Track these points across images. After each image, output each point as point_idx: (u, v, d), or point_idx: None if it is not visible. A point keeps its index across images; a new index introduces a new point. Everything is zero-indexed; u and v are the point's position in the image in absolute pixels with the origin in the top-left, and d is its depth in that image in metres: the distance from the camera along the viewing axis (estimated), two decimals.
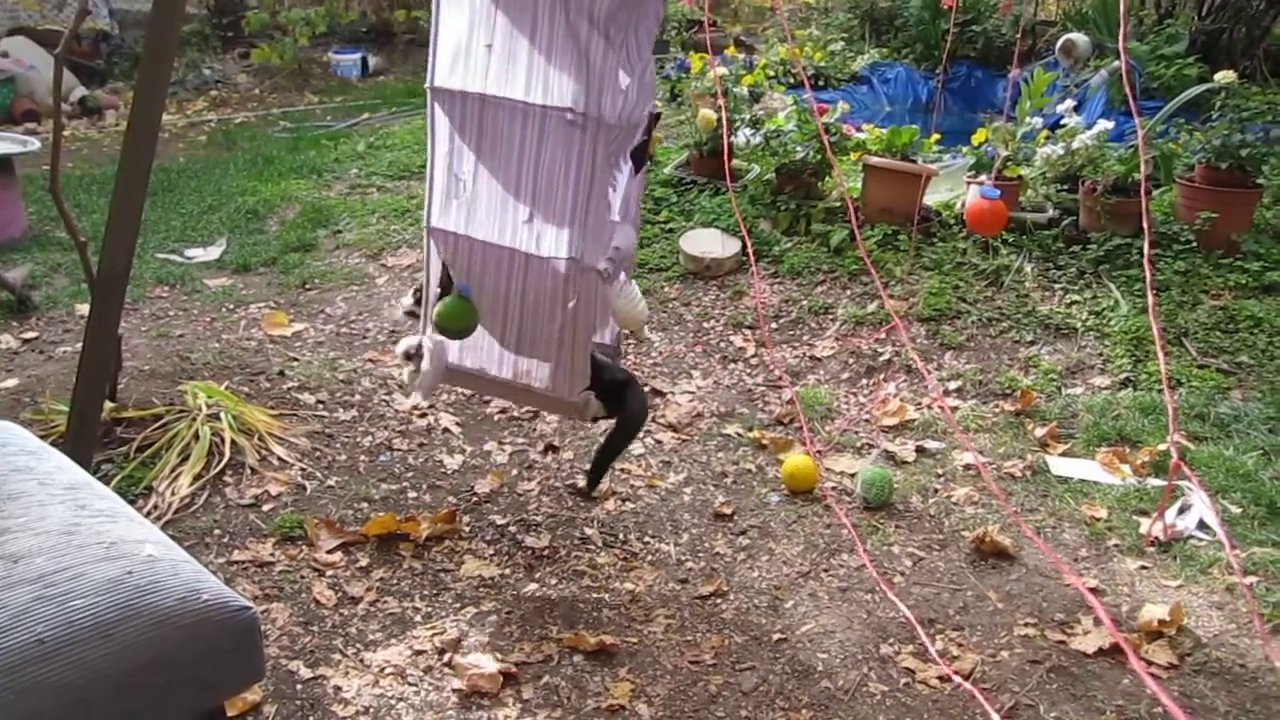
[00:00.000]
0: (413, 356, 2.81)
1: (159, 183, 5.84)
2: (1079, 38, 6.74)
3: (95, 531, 1.73)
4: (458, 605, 2.66)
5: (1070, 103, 5.09)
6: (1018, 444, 3.44)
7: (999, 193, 3.61)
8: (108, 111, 7.98)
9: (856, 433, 3.56)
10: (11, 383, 3.64)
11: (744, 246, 4.58)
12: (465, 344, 2.81)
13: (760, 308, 4.28)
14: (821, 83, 7.38)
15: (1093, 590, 2.72)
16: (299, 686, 2.37)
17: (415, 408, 3.62)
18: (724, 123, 4.90)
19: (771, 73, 6.86)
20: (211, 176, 6.21)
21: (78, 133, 7.50)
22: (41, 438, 2.18)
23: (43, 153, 5.32)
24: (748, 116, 5.21)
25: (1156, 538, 2.93)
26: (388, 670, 2.42)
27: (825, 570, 2.84)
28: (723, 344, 4.13)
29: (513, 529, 3.00)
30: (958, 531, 3.01)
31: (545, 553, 2.89)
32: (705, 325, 4.26)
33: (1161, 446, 3.30)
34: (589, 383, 2.72)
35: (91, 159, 6.72)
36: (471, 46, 2.47)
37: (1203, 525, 2.98)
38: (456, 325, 2.67)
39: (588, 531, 2.99)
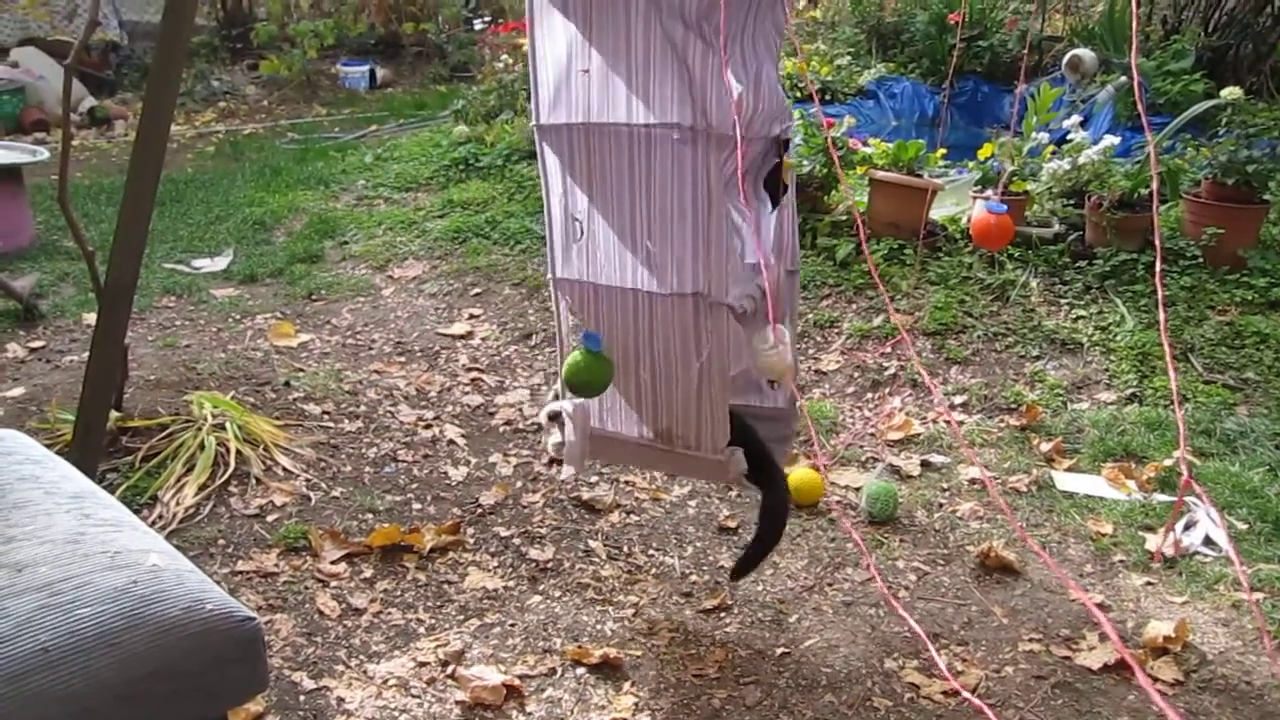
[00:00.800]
0: (555, 420, 2.55)
1: (167, 193, 5.87)
2: (1085, 53, 6.74)
3: (100, 541, 1.73)
4: (461, 617, 2.66)
5: (1076, 118, 5.09)
6: (1023, 459, 3.44)
7: (1005, 207, 3.60)
8: (117, 122, 8.02)
9: (861, 447, 3.55)
10: (18, 391, 3.65)
11: None
12: (603, 406, 2.50)
13: None
14: (828, 97, 7.39)
15: (1098, 606, 2.71)
16: (302, 697, 2.36)
17: (420, 419, 3.62)
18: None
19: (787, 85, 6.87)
20: (219, 187, 6.23)
21: (86, 143, 7.53)
22: (47, 446, 2.18)
23: (51, 162, 5.35)
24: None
25: (1164, 554, 2.92)
26: (391, 682, 2.42)
27: (830, 584, 2.84)
28: None
29: (517, 541, 3.00)
30: (963, 546, 3.00)
31: (549, 565, 2.89)
32: None
33: (1168, 462, 3.29)
34: (730, 438, 2.38)
35: (100, 169, 6.75)
36: (571, 75, 2.23)
37: (1208, 541, 2.97)
38: (586, 380, 2.35)
39: (592, 544, 2.99)
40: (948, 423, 3.62)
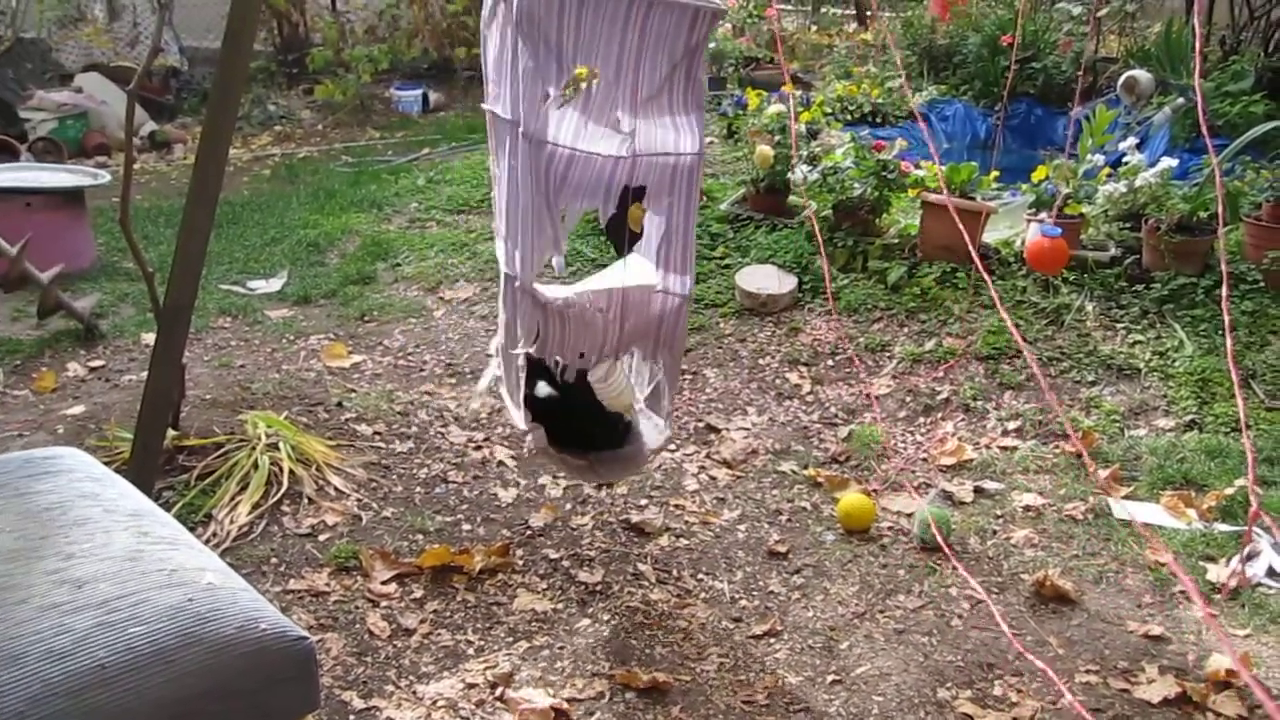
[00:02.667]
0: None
1: (224, 215, 5.95)
2: (1141, 75, 6.66)
3: (157, 558, 1.75)
4: (510, 639, 2.66)
5: (1133, 140, 5.03)
6: (1079, 486, 3.38)
7: (1060, 231, 3.57)
8: (176, 146, 8.16)
9: (913, 472, 3.51)
10: (78, 409, 3.71)
11: (798, 284, 4.57)
12: None
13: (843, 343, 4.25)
14: (879, 119, 7.36)
15: (1157, 638, 2.65)
16: (352, 717, 2.38)
17: (470, 440, 3.63)
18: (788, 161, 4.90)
19: (829, 109, 6.86)
20: (274, 210, 6.32)
21: (147, 166, 7.68)
22: (106, 464, 2.22)
23: (113, 185, 5.45)
24: (805, 153, 5.21)
25: (1231, 586, 2.85)
26: (440, 703, 2.42)
27: (881, 611, 2.80)
28: (778, 380, 4.11)
29: (566, 563, 2.99)
30: (1017, 574, 2.96)
31: (598, 588, 2.88)
32: (761, 362, 4.25)
33: (1229, 490, 3.22)
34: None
35: (160, 192, 6.87)
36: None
37: (1272, 573, 2.90)
38: None
39: (641, 567, 2.98)
40: (996, 446, 3.57)
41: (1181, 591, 2.86)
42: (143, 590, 1.66)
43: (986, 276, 2.70)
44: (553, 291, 2.58)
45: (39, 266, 4.36)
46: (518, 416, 2.65)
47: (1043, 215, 4.44)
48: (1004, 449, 3.62)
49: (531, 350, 2.54)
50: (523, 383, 2.61)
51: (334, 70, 9.31)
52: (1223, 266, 2.80)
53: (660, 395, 2.85)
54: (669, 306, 2.71)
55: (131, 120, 3.12)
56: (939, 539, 2.96)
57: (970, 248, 3.29)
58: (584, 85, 2.42)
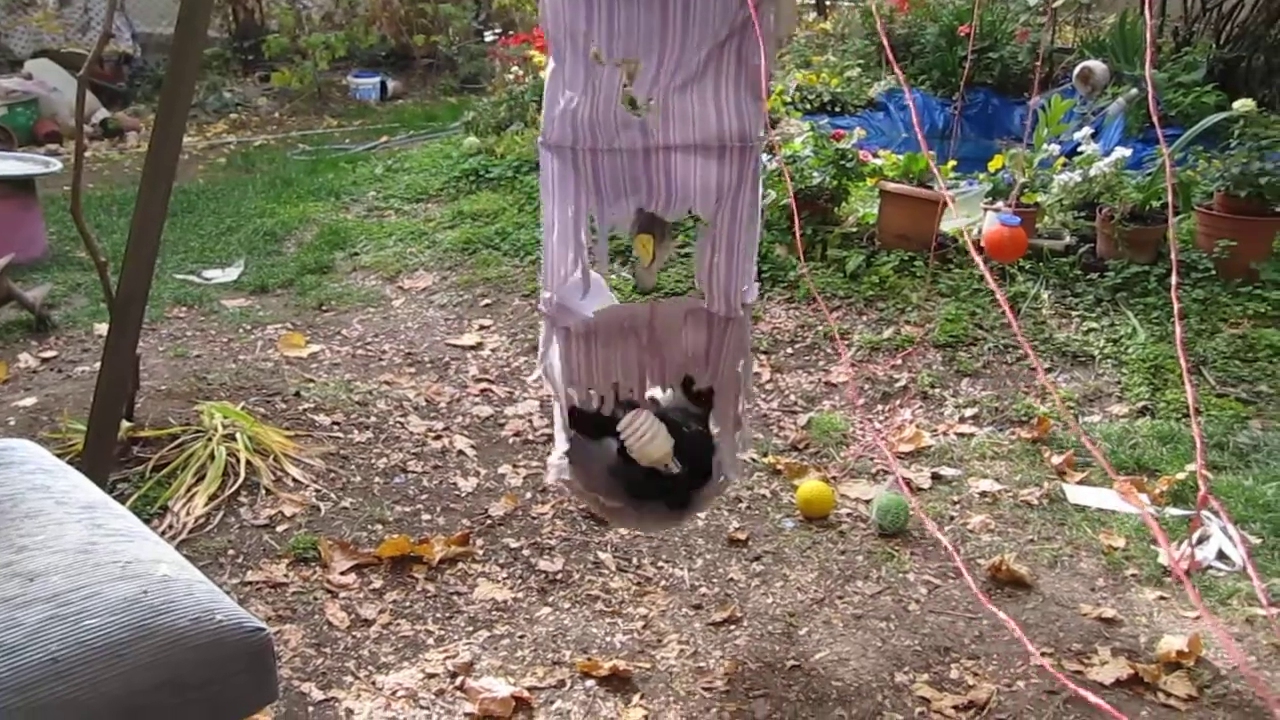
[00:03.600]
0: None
1: (178, 204, 5.89)
2: (1097, 65, 6.72)
3: (111, 551, 1.73)
4: (470, 628, 2.66)
5: (1088, 130, 5.08)
6: (1034, 472, 3.42)
7: (1019, 220, 3.59)
8: (129, 133, 8.06)
9: (872, 459, 3.54)
10: (30, 401, 3.66)
11: (758, 273, 4.59)
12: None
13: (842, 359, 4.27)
14: (838, 109, 7.39)
15: (1110, 621, 2.69)
16: (311, 709, 2.36)
17: (430, 430, 3.62)
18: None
19: (788, 99, 6.89)
20: (230, 198, 6.25)
21: (99, 154, 7.57)
22: (59, 456, 2.19)
23: (64, 173, 5.37)
24: (764, 142, 5.21)
25: (1184, 569, 2.90)
26: (400, 693, 2.41)
27: (840, 597, 2.82)
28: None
29: (526, 552, 2.99)
30: (973, 559, 2.99)
31: (559, 576, 2.88)
32: None
33: (1180, 476, 3.27)
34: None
35: (112, 180, 6.78)
36: None
37: (1221, 556, 2.95)
38: None
39: (601, 556, 2.99)
40: (950, 432, 3.61)
41: (1133, 575, 2.90)
42: (96, 583, 1.64)
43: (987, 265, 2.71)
44: (572, 312, 2.28)
45: None
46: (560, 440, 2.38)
47: (999, 204, 4.48)
48: (961, 435, 3.65)
49: (561, 385, 2.29)
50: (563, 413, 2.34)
51: (290, 57, 9.22)
52: (1173, 255, 2.84)
53: (727, 423, 2.49)
54: (716, 326, 2.40)
55: (82, 107, 3.08)
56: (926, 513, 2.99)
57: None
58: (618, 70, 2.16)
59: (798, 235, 4.82)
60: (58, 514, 1.83)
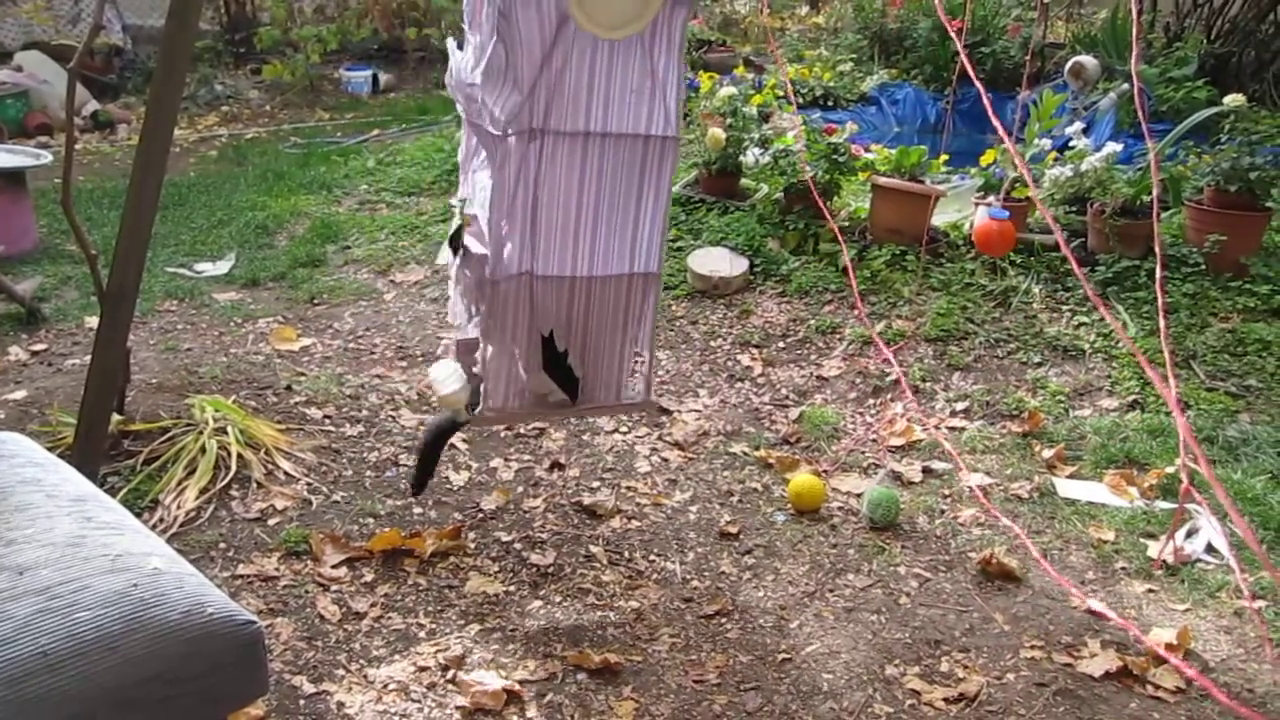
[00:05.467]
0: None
1: (170, 197, 5.87)
2: (1088, 60, 6.75)
3: (101, 544, 1.73)
4: (462, 622, 2.66)
5: (1079, 125, 5.09)
6: (1025, 465, 3.43)
7: (1008, 214, 3.61)
8: (120, 126, 8.03)
9: (863, 453, 3.55)
10: (20, 394, 3.65)
11: (751, 266, 4.59)
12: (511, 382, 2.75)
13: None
14: (830, 103, 7.40)
15: (1099, 613, 2.70)
16: (302, 702, 2.36)
17: (422, 423, 3.61)
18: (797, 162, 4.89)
19: (780, 93, 6.88)
20: (222, 191, 6.24)
21: (90, 146, 7.54)
22: (49, 449, 2.18)
23: (55, 166, 5.35)
24: (756, 136, 5.22)
25: (1165, 561, 2.91)
26: (391, 686, 2.41)
27: (831, 590, 2.83)
28: (730, 363, 4.13)
29: (518, 546, 2.99)
30: (964, 553, 3.00)
31: (550, 570, 2.89)
32: (712, 344, 4.26)
33: (1170, 469, 3.28)
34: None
35: (103, 173, 6.76)
36: None
37: (1210, 549, 2.97)
38: None
39: (593, 549, 2.99)
40: (942, 427, 3.62)
41: (1123, 568, 2.91)
42: (86, 576, 1.64)
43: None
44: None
45: None
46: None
47: (990, 199, 4.49)
48: (952, 429, 3.66)
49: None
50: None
51: (282, 50, 9.20)
52: (1158, 250, 2.85)
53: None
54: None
55: (73, 99, 3.06)
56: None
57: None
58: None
59: (828, 227, 4.82)
60: (48, 507, 1.83)
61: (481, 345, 2.65)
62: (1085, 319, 4.16)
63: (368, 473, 3.33)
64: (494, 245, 2.55)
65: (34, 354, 4.06)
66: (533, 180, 2.53)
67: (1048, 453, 3.47)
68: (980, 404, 3.79)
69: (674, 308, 4.53)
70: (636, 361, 2.85)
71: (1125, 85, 6.44)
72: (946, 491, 3.31)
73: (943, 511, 3.21)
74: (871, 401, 3.87)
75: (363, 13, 9.90)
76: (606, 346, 2.77)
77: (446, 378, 2.76)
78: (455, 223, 2.71)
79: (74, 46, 8.26)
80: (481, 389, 2.67)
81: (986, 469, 3.42)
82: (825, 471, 3.41)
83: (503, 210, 2.52)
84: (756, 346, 4.22)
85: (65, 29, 9.18)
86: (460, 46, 2.64)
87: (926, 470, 3.42)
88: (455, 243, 2.70)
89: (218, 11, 9.80)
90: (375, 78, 9.52)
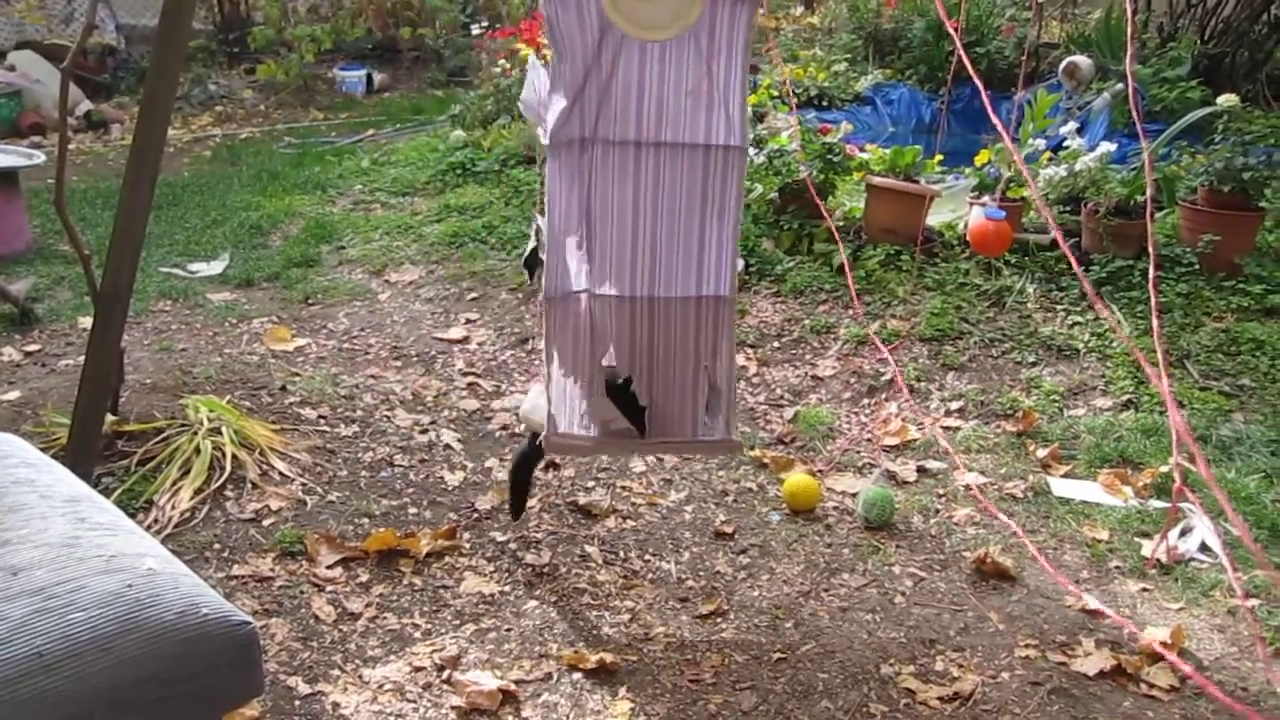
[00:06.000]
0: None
1: (163, 197, 5.86)
2: (1082, 60, 6.76)
3: (95, 544, 1.72)
4: (457, 622, 2.66)
5: (1073, 125, 5.10)
6: (1019, 465, 3.44)
7: (1003, 213, 3.61)
8: (113, 125, 8.03)
9: (858, 452, 3.55)
10: (13, 395, 3.64)
11: (746, 267, 4.60)
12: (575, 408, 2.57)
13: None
14: (825, 103, 7.40)
15: (1094, 612, 2.71)
16: (297, 702, 2.36)
17: (416, 424, 3.61)
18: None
19: (775, 93, 6.88)
20: (216, 191, 6.23)
21: (83, 146, 7.53)
22: (42, 450, 2.18)
23: (48, 166, 5.34)
24: (751, 136, 5.22)
25: (1159, 560, 2.92)
26: (386, 687, 2.41)
27: (826, 590, 2.83)
28: None
29: (513, 546, 2.99)
30: (959, 552, 3.00)
31: (545, 570, 2.88)
32: None
33: (1164, 469, 3.29)
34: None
35: (96, 173, 6.75)
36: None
37: (1204, 548, 2.97)
38: None
39: (588, 549, 2.99)
40: (936, 426, 3.62)
41: (1117, 567, 2.92)
42: (80, 577, 1.63)
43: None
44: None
45: None
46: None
47: (985, 198, 4.50)
48: (946, 429, 3.67)
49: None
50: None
51: (276, 50, 9.19)
52: (1151, 249, 2.86)
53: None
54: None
55: (65, 99, 3.06)
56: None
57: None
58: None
59: (827, 233, 4.82)
60: (41, 508, 1.83)
61: (544, 366, 2.52)
62: (1080, 318, 4.16)
63: (363, 473, 3.32)
64: (549, 261, 2.44)
65: (27, 354, 4.05)
66: (585, 192, 2.41)
67: (1042, 452, 3.48)
68: (975, 403, 3.79)
69: None
70: (713, 394, 2.60)
71: (1119, 85, 6.46)
72: (941, 491, 3.32)
73: (937, 511, 3.21)
74: (866, 401, 3.87)
75: (357, 12, 9.90)
76: (677, 376, 2.54)
77: (534, 405, 2.65)
78: (531, 243, 2.64)
79: (67, 46, 8.25)
80: (548, 414, 2.51)
81: (981, 468, 3.43)
82: (820, 471, 3.41)
83: (556, 224, 2.42)
84: (751, 346, 4.22)
85: (58, 28, 9.17)
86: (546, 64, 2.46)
87: (921, 470, 3.43)
88: (531, 263, 2.63)
89: (211, 11, 9.80)
90: (370, 77, 9.52)
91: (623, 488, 3.30)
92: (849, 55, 8.41)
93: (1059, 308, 4.26)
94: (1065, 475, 3.38)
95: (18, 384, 3.76)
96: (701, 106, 2.38)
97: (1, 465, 1.96)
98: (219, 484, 3.12)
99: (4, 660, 1.48)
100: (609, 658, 2.51)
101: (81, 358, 3.10)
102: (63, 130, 3.03)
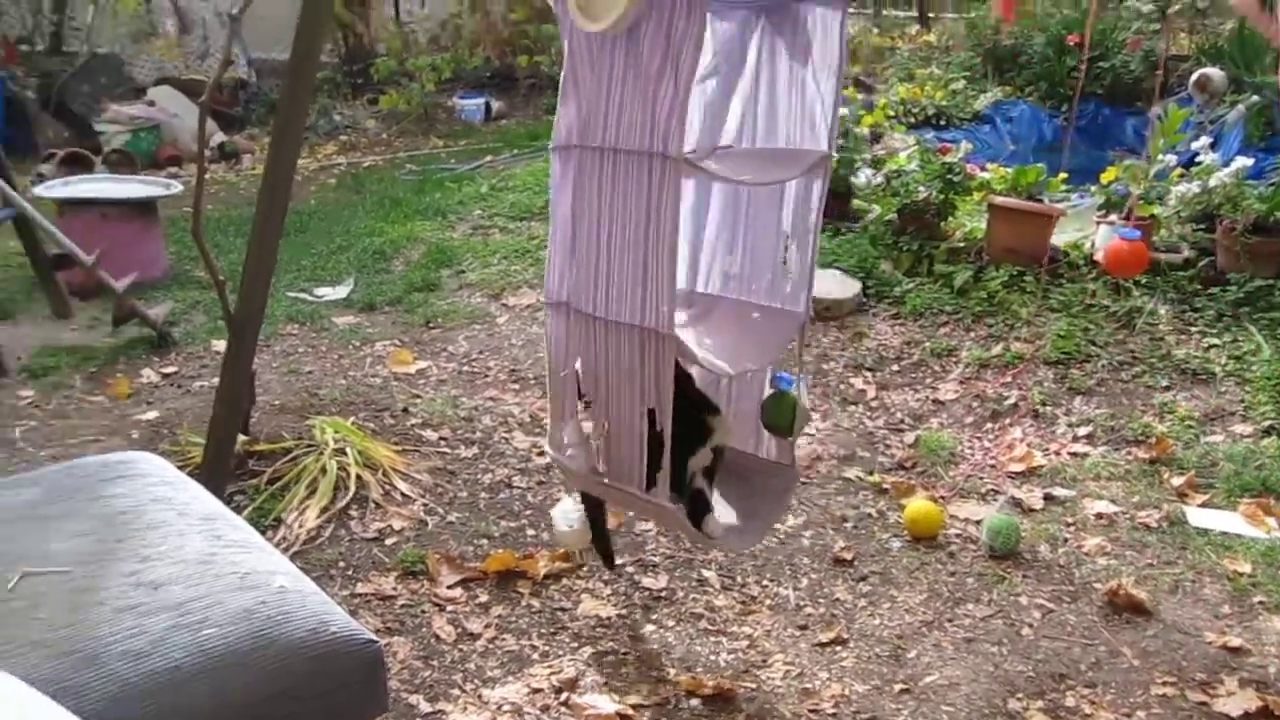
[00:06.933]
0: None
1: (291, 224, 6.04)
2: (1214, 72, 6.52)
3: (230, 561, 1.77)
4: (575, 644, 2.66)
5: (1206, 139, 4.91)
6: (1153, 493, 3.31)
7: (1138, 233, 3.49)
8: (244, 156, 8.32)
9: (981, 478, 3.46)
10: (151, 415, 3.79)
11: (862, 289, 4.53)
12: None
13: None
14: (943, 122, 7.28)
15: (1237, 649, 2.58)
16: None
17: (534, 445, 3.64)
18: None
19: (891, 113, 6.80)
20: (340, 218, 6.40)
21: (216, 176, 7.82)
22: (179, 468, 2.25)
23: (184, 195, 5.57)
24: (869, 156, 5.16)
25: None
26: (505, 708, 2.42)
27: (950, 620, 2.76)
28: (842, 386, 4.07)
29: (630, 569, 2.99)
30: (1089, 583, 2.90)
31: (663, 594, 2.87)
32: (824, 367, 4.21)
33: None
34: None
35: (228, 201, 7.00)
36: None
37: None
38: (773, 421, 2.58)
39: (705, 573, 2.97)
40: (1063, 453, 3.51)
41: (1261, 602, 2.78)
42: (216, 593, 1.68)
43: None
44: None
45: (113, 275, 4.45)
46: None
47: (1112, 217, 4.36)
48: (1074, 455, 3.55)
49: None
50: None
51: (398, 80, 9.41)
52: None
53: None
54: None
55: (204, 132, 3.18)
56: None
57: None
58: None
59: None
60: (179, 525, 1.89)
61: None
62: (1216, 340, 4.00)
63: (482, 494, 3.36)
64: (547, 266, 2.40)
65: (165, 376, 4.21)
66: (569, 201, 2.30)
67: (1177, 480, 3.34)
68: (1104, 429, 3.66)
69: None
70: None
71: (1255, 97, 6.20)
72: (1070, 519, 3.21)
73: (1066, 540, 3.11)
74: (990, 426, 3.77)
75: (475, 41, 10.10)
76: (626, 416, 2.28)
77: (560, 516, 2.71)
78: None
79: (202, 81, 8.61)
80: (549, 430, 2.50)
81: (1111, 496, 3.31)
82: (942, 497, 3.33)
83: (553, 230, 2.36)
84: (870, 370, 4.15)
85: (194, 64, 9.58)
86: None
87: (1048, 497, 3.32)
88: None
89: (336, 44, 10.10)
90: (488, 105, 9.69)
91: None
92: (967, 73, 8.26)
93: (1193, 329, 4.09)
94: (1203, 505, 3.24)
95: (155, 404, 3.92)
96: (649, 112, 2.12)
97: (142, 483, 2.03)
98: (344, 503, 3.19)
99: (146, 672, 1.53)
100: (726, 684, 2.48)
101: (215, 379, 3.21)
102: (200, 162, 3.15)
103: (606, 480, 2.40)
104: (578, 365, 2.37)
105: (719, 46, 2.46)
